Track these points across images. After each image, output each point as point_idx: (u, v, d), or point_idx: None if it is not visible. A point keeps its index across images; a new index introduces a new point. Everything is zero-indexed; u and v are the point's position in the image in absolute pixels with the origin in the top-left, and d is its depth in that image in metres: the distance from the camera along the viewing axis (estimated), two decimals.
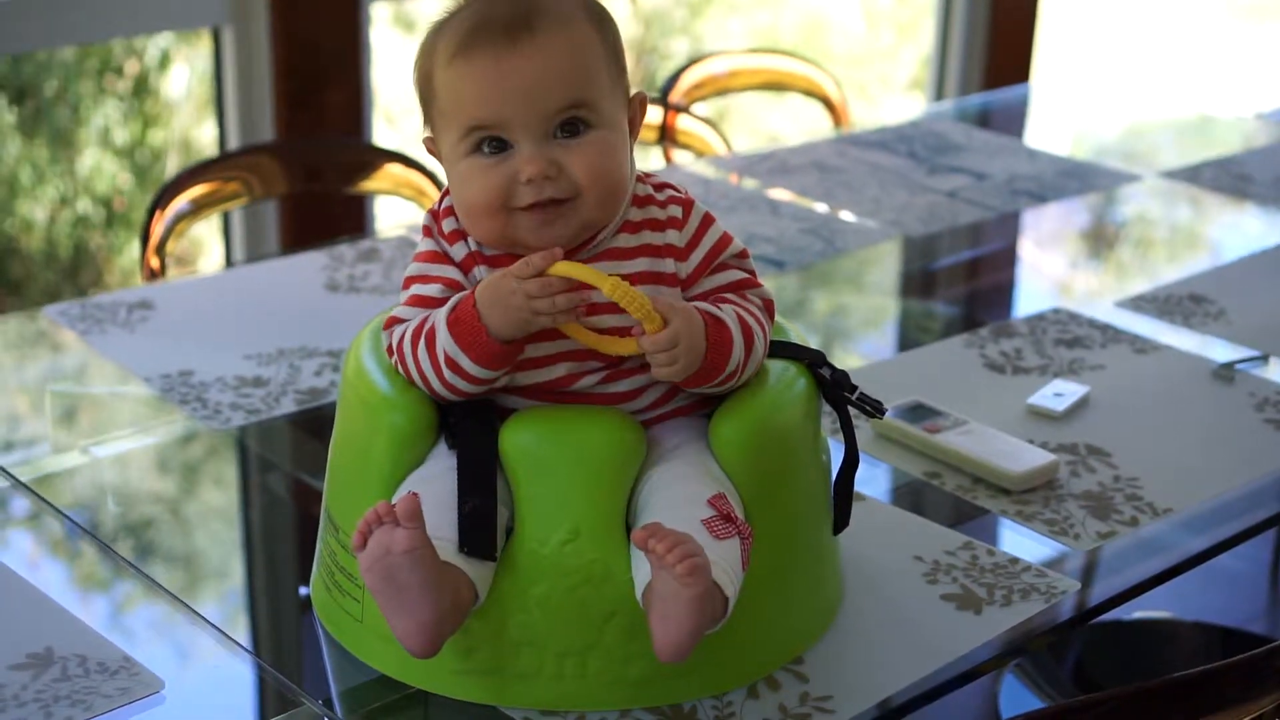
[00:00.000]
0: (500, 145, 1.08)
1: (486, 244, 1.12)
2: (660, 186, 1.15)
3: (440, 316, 1.08)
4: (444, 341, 1.07)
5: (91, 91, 3.04)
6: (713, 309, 1.10)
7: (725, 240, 1.15)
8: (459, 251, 1.13)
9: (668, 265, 1.13)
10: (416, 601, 1.00)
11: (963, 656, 1.16)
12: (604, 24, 1.11)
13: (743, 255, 1.16)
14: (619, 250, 1.12)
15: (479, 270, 1.12)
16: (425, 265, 1.13)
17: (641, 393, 1.12)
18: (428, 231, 1.14)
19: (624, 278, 1.07)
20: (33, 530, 1.35)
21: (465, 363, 1.07)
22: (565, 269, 1.05)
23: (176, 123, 3.12)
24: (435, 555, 1.00)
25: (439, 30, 1.10)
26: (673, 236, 1.13)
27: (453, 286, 1.11)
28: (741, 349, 1.10)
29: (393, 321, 1.13)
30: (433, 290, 1.12)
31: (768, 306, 1.15)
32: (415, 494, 1.01)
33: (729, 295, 1.13)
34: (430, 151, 1.15)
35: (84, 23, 2.52)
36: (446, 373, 1.08)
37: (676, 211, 1.14)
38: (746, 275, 1.15)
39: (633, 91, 1.14)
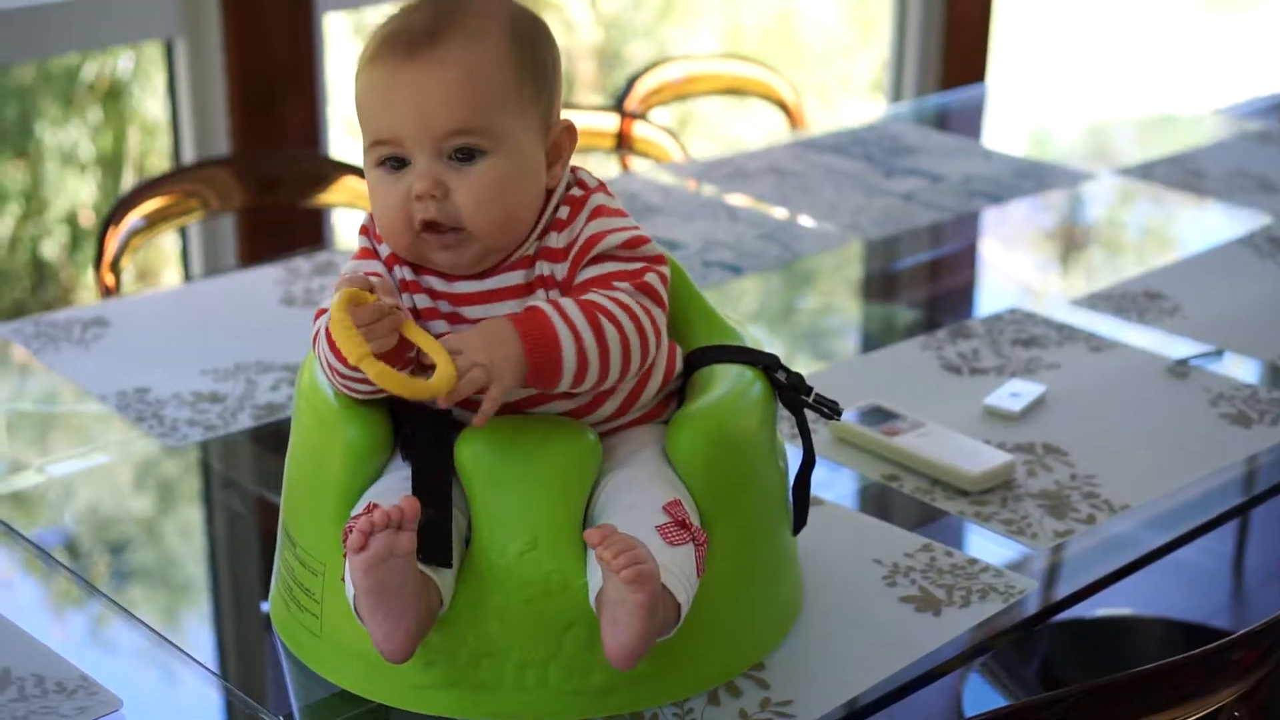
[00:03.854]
0: (401, 161, 1.08)
1: (400, 255, 1.12)
2: (570, 185, 1.13)
3: (322, 322, 1.09)
4: (322, 347, 1.08)
5: (56, 109, 3.02)
6: (533, 303, 1.07)
7: (603, 234, 1.10)
8: (384, 251, 1.13)
9: (541, 268, 1.10)
10: (406, 605, 1.01)
11: (922, 658, 1.16)
12: (527, 43, 1.09)
13: (631, 244, 1.10)
14: (550, 250, 1.11)
15: (400, 269, 1.13)
16: (357, 263, 1.14)
17: (599, 404, 1.12)
18: (364, 231, 1.16)
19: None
20: None
21: (337, 363, 1.07)
22: (335, 313, 1.04)
23: (142, 137, 3.10)
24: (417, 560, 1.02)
25: (372, 34, 1.10)
26: (552, 239, 1.11)
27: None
28: (574, 339, 1.04)
29: (321, 313, 1.13)
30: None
31: (642, 288, 1.09)
32: (368, 508, 1.01)
33: (590, 291, 1.08)
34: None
35: (36, 38, 2.50)
36: (329, 373, 1.09)
37: (563, 213, 1.12)
38: (622, 267, 1.09)
39: (564, 116, 1.12)
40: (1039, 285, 2.00)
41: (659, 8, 4.32)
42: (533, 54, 1.10)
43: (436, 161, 1.07)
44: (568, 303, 1.07)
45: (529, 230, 1.11)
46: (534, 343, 1.04)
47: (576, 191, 1.13)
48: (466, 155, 1.07)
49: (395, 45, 1.07)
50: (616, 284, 1.09)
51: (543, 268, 1.11)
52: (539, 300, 1.09)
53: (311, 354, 1.19)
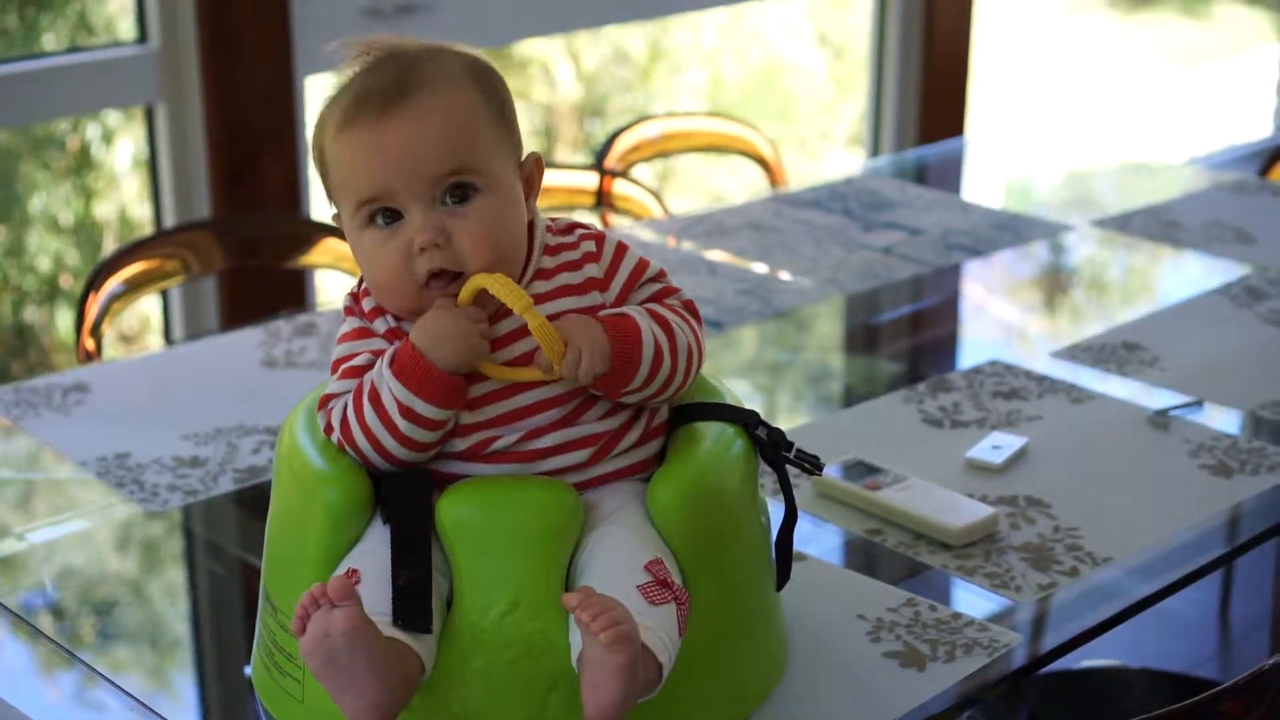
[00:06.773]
0: (393, 215, 1.09)
1: (401, 315, 1.12)
2: (569, 229, 1.16)
3: (382, 372, 1.09)
4: (395, 391, 1.07)
5: (32, 171, 3.02)
6: (613, 310, 1.13)
7: (643, 264, 1.17)
8: (380, 327, 1.13)
9: (594, 298, 1.14)
10: (363, 681, 0.99)
11: (908, 714, 1.16)
12: (487, 84, 1.12)
13: (661, 274, 1.18)
14: (537, 297, 1.12)
15: (384, 318, 1.13)
16: (351, 344, 1.14)
17: (570, 448, 1.12)
18: (349, 312, 1.15)
19: (550, 317, 1.09)
20: None
21: (420, 406, 1.07)
22: (486, 280, 1.07)
23: (118, 199, 3.11)
24: (376, 632, 0.99)
25: (328, 105, 1.11)
26: (591, 270, 1.14)
27: (380, 357, 1.11)
28: (654, 336, 1.11)
29: (326, 399, 1.13)
30: (361, 361, 1.12)
31: (688, 306, 1.17)
32: (348, 573, 1.01)
33: (649, 306, 1.16)
34: (337, 224, 1.15)
35: (19, 105, 2.51)
36: (403, 424, 1.08)
37: (590, 246, 1.15)
38: (666, 286, 1.18)
39: (528, 151, 1.15)
40: (1019, 337, 2.01)
41: (640, 64, 4.35)
42: (495, 93, 1.13)
43: (432, 210, 1.08)
44: (635, 309, 1.13)
45: (522, 265, 1.12)
46: (620, 336, 1.09)
47: (586, 230, 1.17)
48: (461, 196, 1.09)
49: (365, 108, 1.08)
50: (667, 301, 1.16)
51: (595, 297, 1.14)
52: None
53: (293, 414, 1.19)
